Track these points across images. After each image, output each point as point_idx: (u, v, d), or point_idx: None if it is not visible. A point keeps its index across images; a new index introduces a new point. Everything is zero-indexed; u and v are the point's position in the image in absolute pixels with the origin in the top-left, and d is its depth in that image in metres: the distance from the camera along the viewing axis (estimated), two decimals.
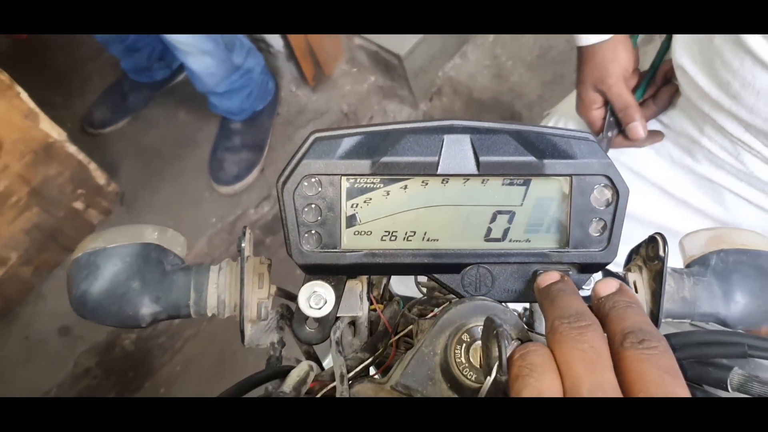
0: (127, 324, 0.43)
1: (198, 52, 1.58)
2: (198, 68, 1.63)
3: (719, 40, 0.65)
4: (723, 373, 0.35)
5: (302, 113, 1.91)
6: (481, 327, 0.33)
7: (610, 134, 0.83)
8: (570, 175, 0.36)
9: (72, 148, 1.63)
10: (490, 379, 0.29)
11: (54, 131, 1.58)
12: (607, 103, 0.82)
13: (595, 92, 0.82)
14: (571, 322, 0.30)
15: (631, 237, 0.44)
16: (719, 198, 0.78)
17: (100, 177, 1.74)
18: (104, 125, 2.01)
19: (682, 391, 0.27)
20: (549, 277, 0.35)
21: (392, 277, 0.52)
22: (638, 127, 0.79)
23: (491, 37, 1.91)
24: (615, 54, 0.80)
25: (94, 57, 2.18)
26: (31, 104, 1.51)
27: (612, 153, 0.85)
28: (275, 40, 1.80)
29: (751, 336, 0.34)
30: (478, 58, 1.89)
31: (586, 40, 0.80)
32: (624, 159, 0.85)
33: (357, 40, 1.80)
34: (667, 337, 0.36)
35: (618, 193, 0.36)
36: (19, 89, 1.47)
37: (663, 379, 0.27)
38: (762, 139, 0.67)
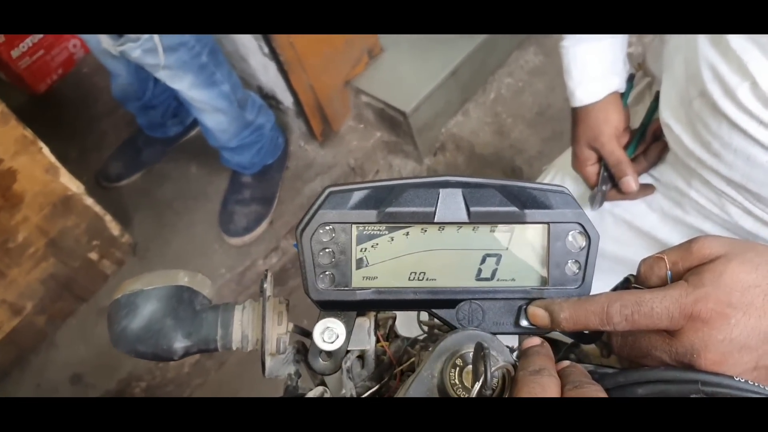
0: (161, 357, 0.48)
1: (212, 110, 1.67)
2: (212, 125, 1.72)
3: (698, 104, 0.70)
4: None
5: (310, 167, 1.98)
6: (472, 352, 0.38)
7: (604, 188, 0.88)
8: (547, 223, 0.42)
9: (89, 201, 1.71)
10: (474, 391, 0.35)
11: (73, 184, 1.65)
12: (600, 159, 0.88)
13: (589, 150, 0.87)
14: (533, 374, 0.37)
15: None
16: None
17: (114, 228, 1.81)
18: (119, 179, 2.09)
19: None
20: (531, 341, 0.42)
21: (397, 319, 0.58)
22: (630, 181, 0.83)
23: (492, 95, 2.00)
24: (607, 115, 0.85)
25: (109, 113, 2.28)
26: (52, 159, 1.59)
27: (607, 205, 0.91)
28: (285, 97, 1.89)
29: (704, 373, 0.39)
30: (479, 115, 1.98)
31: (580, 101, 0.86)
32: (618, 212, 0.90)
33: (364, 97, 1.89)
34: (631, 373, 0.41)
35: (590, 238, 0.42)
36: (42, 144, 1.55)
37: None
38: (743, 193, 0.72)
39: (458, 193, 0.41)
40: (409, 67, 1.88)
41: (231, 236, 1.89)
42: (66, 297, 1.80)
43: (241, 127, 1.74)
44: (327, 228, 0.42)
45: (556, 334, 0.64)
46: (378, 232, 0.42)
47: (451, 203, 0.41)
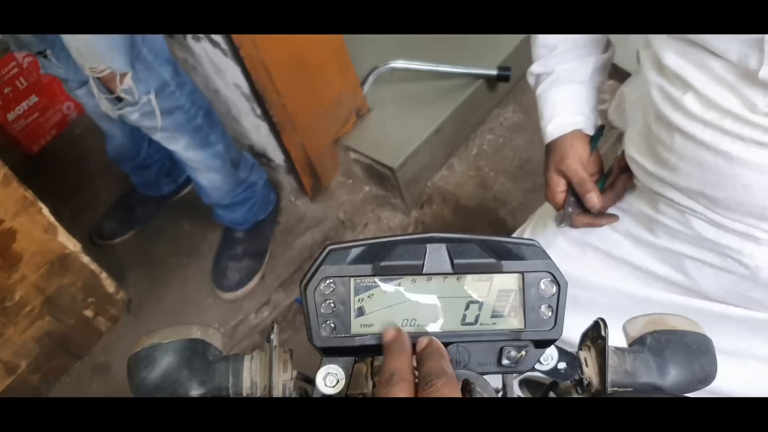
0: None
1: (206, 169, 1.73)
2: (206, 183, 1.78)
3: (656, 127, 0.80)
4: None
5: (301, 221, 2.04)
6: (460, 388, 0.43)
7: (570, 210, 0.96)
8: (521, 272, 0.47)
9: (85, 259, 1.74)
10: None
11: (70, 243, 1.69)
12: (568, 187, 0.97)
13: (558, 176, 0.97)
14: (384, 383, 0.42)
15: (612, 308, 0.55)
16: (680, 266, 0.89)
17: (109, 286, 1.84)
18: (112, 237, 2.13)
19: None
20: (386, 335, 0.47)
21: None
22: (593, 197, 0.92)
23: (474, 150, 2.09)
24: (572, 143, 0.96)
25: (102, 172, 2.33)
26: (51, 218, 1.63)
27: (585, 238, 0.99)
28: (276, 155, 1.96)
29: (665, 392, 0.45)
30: (463, 169, 2.06)
31: (550, 136, 0.97)
32: (597, 243, 0.97)
33: (352, 154, 1.96)
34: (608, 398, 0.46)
35: (559, 285, 0.47)
36: (41, 205, 1.59)
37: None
38: (702, 201, 0.79)
39: (443, 247, 0.47)
40: (396, 126, 1.96)
41: (224, 291, 1.93)
42: (60, 355, 1.82)
43: (234, 184, 1.80)
44: (328, 281, 0.47)
45: (535, 375, 0.70)
46: (373, 284, 0.48)
47: (436, 257, 0.47)
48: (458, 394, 0.38)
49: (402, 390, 0.40)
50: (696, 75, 0.72)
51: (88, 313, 1.82)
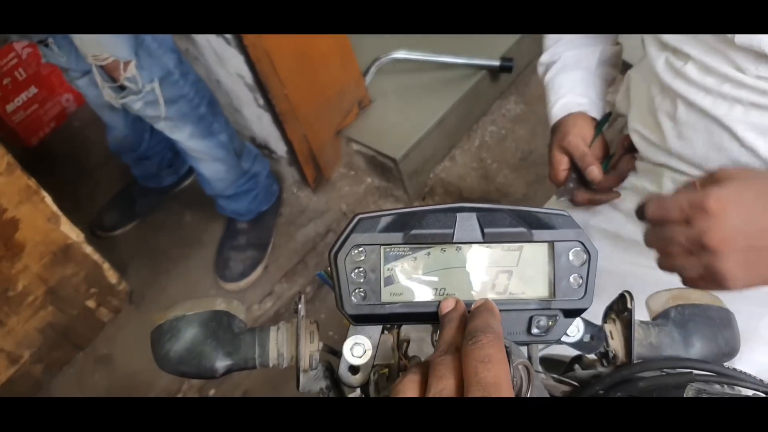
0: (204, 375, 0.53)
1: (210, 159, 1.73)
2: (209, 173, 1.77)
3: (659, 98, 0.82)
4: (680, 391, 0.46)
5: (303, 213, 2.04)
6: None
7: (571, 185, 0.98)
8: (552, 242, 0.47)
9: (88, 249, 1.74)
10: None
11: (73, 233, 1.69)
12: (571, 165, 0.98)
13: (561, 152, 0.98)
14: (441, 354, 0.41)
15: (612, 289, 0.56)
16: None
17: (112, 276, 1.84)
18: (113, 228, 2.13)
19: (488, 375, 0.37)
20: (444, 305, 0.46)
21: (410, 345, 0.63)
22: (594, 170, 0.93)
23: (477, 141, 2.09)
24: (575, 121, 0.97)
25: (102, 165, 2.33)
26: (54, 208, 1.62)
27: (590, 221, 0.99)
28: (279, 147, 1.96)
29: (698, 361, 0.45)
30: (465, 161, 2.06)
31: (555, 117, 0.99)
32: (603, 224, 0.98)
33: (355, 146, 1.96)
34: (637, 364, 0.46)
35: (589, 254, 0.48)
36: (44, 194, 1.59)
37: (476, 368, 0.37)
38: (705, 170, 0.80)
39: (473, 216, 0.47)
40: (398, 117, 1.96)
41: (227, 282, 1.93)
42: (63, 345, 1.81)
43: (237, 175, 1.80)
44: (359, 249, 0.47)
45: (555, 354, 0.70)
46: (403, 253, 0.47)
47: (467, 226, 0.47)
48: (503, 353, 0.38)
49: (411, 389, 0.40)
50: (693, 47, 0.76)
51: (91, 303, 1.81)
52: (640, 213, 0.63)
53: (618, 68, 1.06)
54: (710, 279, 0.59)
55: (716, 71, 0.74)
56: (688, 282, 0.61)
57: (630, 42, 1.06)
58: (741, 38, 0.68)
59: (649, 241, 0.64)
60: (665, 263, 0.63)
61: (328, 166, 2.03)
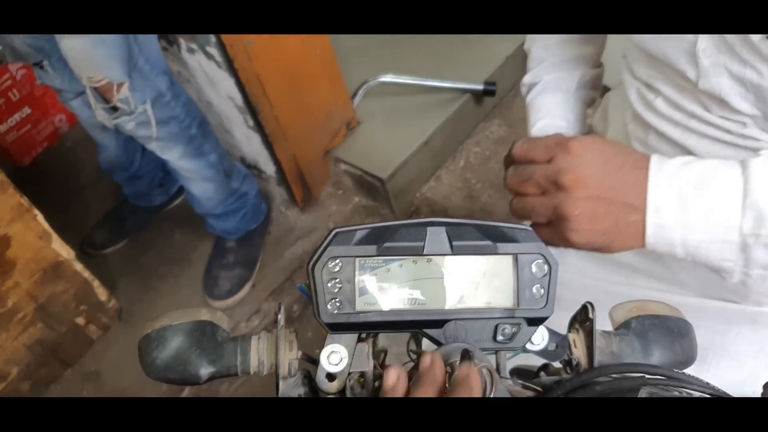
0: (188, 381, 0.56)
1: (199, 179, 1.76)
2: (198, 193, 1.80)
3: (632, 126, 0.86)
4: (634, 394, 0.49)
5: (291, 232, 2.07)
6: (459, 359, 0.47)
7: None
8: (516, 254, 0.51)
9: (78, 267, 1.76)
10: None
11: (64, 251, 1.71)
12: None
13: None
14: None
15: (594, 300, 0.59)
16: (659, 257, 0.93)
17: (102, 294, 1.86)
18: (104, 246, 2.15)
19: None
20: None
21: (387, 354, 0.66)
22: None
23: (462, 162, 2.13)
24: None
25: (93, 184, 2.35)
26: (46, 226, 1.64)
27: None
28: (268, 167, 1.99)
29: (651, 366, 0.48)
30: (451, 181, 2.10)
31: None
32: None
33: (343, 166, 2.00)
34: (594, 369, 0.50)
35: (550, 266, 0.51)
36: (36, 212, 1.61)
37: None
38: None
39: (443, 230, 0.51)
40: (385, 138, 2.01)
41: (215, 299, 1.95)
42: (51, 362, 1.82)
43: (226, 194, 1.83)
44: (336, 261, 0.50)
45: (525, 364, 0.73)
46: (377, 264, 0.51)
47: (437, 239, 0.51)
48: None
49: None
50: (663, 83, 0.79)
51: (80, 320, 1.83)
52: (508, 157, 0.65)
53: (599, 90, 1.09)
54: (557, 224, 0.58)
55: (684, 108, 0.77)
56: (537, 232, 0.57)
57: (610, 65, 1.10)
58: (704, 83, 0.71)
59: (509, 181, 0.64)
60: (518, 204, 0.63)
61: (317, 185, 2.07)
